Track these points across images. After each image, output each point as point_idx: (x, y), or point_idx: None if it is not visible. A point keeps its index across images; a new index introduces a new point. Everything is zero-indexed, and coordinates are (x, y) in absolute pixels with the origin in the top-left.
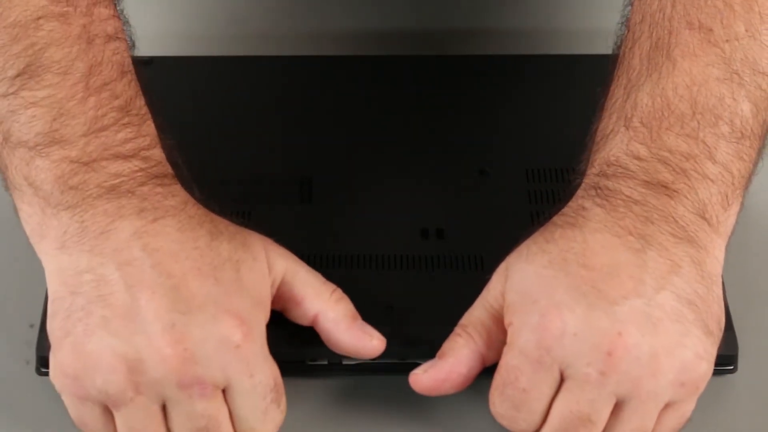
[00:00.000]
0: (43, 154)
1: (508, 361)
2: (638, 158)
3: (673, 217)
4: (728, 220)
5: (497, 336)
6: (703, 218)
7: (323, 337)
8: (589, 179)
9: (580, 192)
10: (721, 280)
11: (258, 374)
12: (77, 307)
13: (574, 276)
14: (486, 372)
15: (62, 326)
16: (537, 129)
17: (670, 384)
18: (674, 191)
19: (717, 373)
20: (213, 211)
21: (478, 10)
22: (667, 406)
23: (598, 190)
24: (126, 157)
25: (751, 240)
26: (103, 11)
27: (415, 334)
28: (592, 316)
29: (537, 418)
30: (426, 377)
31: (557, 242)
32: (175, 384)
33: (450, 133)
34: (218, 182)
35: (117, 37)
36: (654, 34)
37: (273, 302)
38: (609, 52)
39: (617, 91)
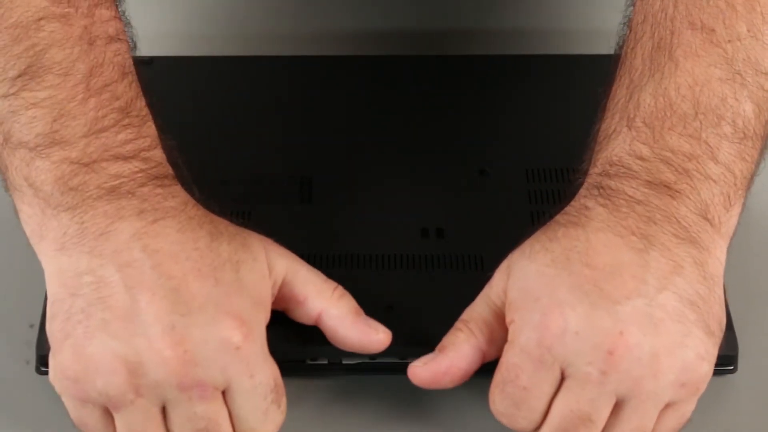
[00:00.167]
0: (44, 155)
1: (509, 359)
2: (641, 158)
3: (675, 218)
4: (730, 220)
5: (498, 332)
6: (706, 219)
7: (328, 334)
8: (591, 179)
9: (582, 191)
10: (722, 281)
11: (258, 375)
12: (77, 309)
13: (577, 275)
14: (486, 371)
15: (62, 328)
16: (537, 129)
17: (671, 384)
18: (677, 192)
19: (717, 373)
20: (213, 211)
21: (478, 10)
22: (667, 406)
23: (601, 190)
24: (126, 158)
25: (752, 241)
26: (105, 12)
27: (415, 334)
28: (594, 315)
29: (537, 416)
30: (425, 371)
31: (560, 241)
32: (176, 386)
33: (450, 133)
34: (218, 182)
35: (118, 39)
36: (656, 34)
37: (275, 302)
38: (609, 52)
39: (619, 91)
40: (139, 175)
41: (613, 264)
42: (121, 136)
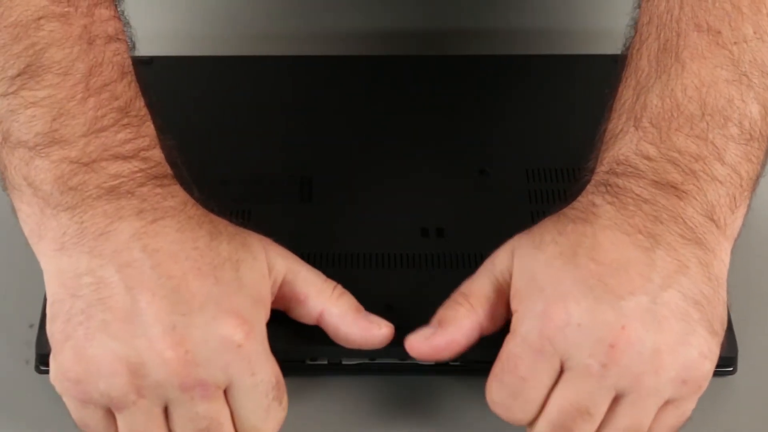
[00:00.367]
0: (43, 155)
1: (510, 348)
2: (648, 158)
3: (682, 218)
4: (735, 222)
5: (498, 309)
6: (712, 220)
7: (330, 333)
8: (598, 176)
9: (590, 188)
10: (726, 283)
11: (260, 373)
12: (77, 310)
13: (583, 269)
14: (488, 370)
15: (63, 330)
16: (537, 129)
17: (672, 381)
18: (683, 192)
19: (717, 374)
20: (212, 211)
21: (479, 10)
22: (667, 403)
23: (608, 187)
24: (126, 158)
25: (752, 241)
26: (104, 12)
27: None
28: (597, 309)
29: (533, 407)
30: (426, 345)
31: (569, 236)
32: (177, 386)
33: (450, 133)
34: (218, 182)
35: (117, 38)
36: (662, 35)
37: (276, 302)
38: (610, 52)
39: (626, 92)
40: (139, 174)
41: (619, 261)
42: (121, 136)
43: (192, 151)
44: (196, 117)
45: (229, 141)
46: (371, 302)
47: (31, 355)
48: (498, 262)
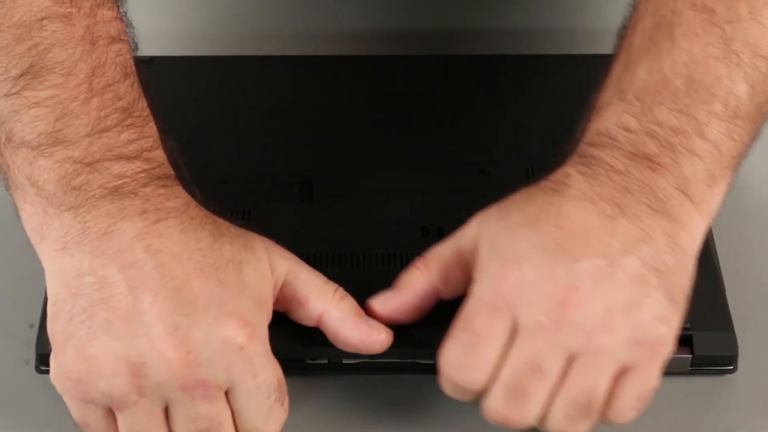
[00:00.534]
0: (46, 154)
1: (465, 307)
2: (627, 130)
3: (652, 189)
4: (713, 199)
5: (455, 273)
6: (685, 194)
7: (330, 336)
8: (579, 148)
9: (569, 160)
10: (695, 257)
11: (262, 374)
12: (79, 309)
13: (542, 233)
14: None
15: (64, 329)
16: (537, 129)
17: (626, 342)
18: (658, 165)
19: (717, 373)
20: (213, 211)
21: (478, 10)
22: (626, 371)
23: (584, 158)
24: (129, 158)
25: (752, 240)
26: (107, 13)
27: (416, 334)
28: (551, 269)
29: (486, 367)
30: (382, 308)
31: (535, 204)
32: (179, 387)
33: (450, 132)
34: (219, 182)
35: (120, 39)
36: (657, 12)
37: (276, 303)
38: (610, 52)
39: (617, 67)
40: (142, 175)
41: (581, 227)
42: (124, 136)
43: (192, 151)
44: (196, 117)
45: (230, 141)
46: None
47: (31, 355)
48: (466, 230)
